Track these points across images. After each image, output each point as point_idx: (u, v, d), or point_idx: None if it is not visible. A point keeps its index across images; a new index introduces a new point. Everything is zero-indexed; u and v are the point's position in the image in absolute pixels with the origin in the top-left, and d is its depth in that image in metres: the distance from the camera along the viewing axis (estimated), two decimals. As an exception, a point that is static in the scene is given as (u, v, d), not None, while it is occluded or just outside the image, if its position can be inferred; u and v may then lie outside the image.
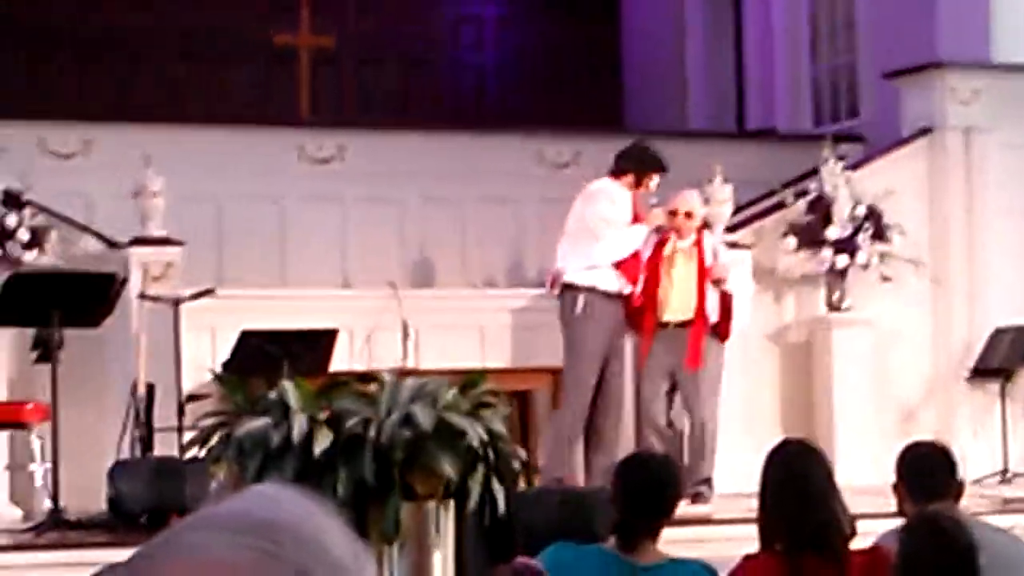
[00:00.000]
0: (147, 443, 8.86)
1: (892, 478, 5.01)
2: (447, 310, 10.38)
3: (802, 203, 11.06)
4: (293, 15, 13.68)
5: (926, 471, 4.94)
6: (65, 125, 11.43)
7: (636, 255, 9.28)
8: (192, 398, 8.84)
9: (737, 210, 11.01)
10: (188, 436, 7.94)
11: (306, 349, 8.75)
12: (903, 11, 12.26)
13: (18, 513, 9.21)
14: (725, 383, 9.53)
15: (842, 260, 10.84)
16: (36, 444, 8.96)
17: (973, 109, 11.51)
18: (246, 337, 8.87)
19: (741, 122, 14.48)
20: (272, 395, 7.06)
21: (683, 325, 9.22)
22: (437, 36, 15.14)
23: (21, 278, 8.72)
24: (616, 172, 9.43)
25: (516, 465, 7.20)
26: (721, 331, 9.32)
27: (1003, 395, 10.91)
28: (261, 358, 8.42)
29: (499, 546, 6.94)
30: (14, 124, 11.06)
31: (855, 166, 11.40)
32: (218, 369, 8.84)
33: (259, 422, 6.90)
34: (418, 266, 12.02)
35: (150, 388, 8.98)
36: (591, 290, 9.20)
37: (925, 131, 11.57)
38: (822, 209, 10.93)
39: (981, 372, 10.95)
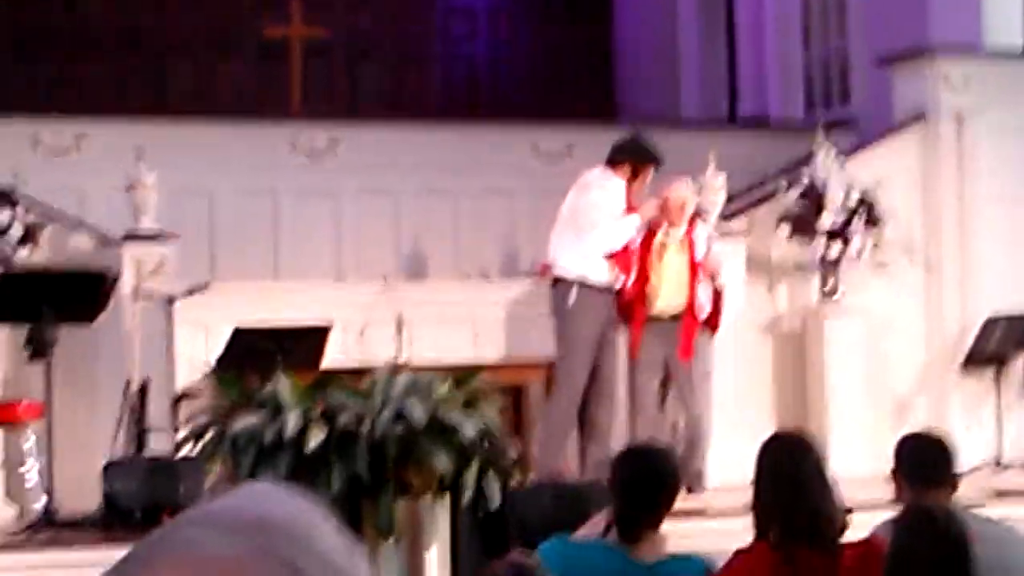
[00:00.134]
0: (141, 441, 8.86)
1: (886, 466, 5.01)
2: (440, 303, 10.37)
3: (795, 192, 11.04)
4: (285, 7, 13.65)
5: (926, 462, 4.94)
6: (57, 120, 11.41)
7: (628, 246, 9.27)
8: (185, 395, 8.84)
9: (730, 199, 11.00)
10: (182, 433, 7.95)
11: (299, 345, 8.75)
12: (894, -3, 12.24)
13: (12, 512, 9.20)
14: (717, 373, 9.53)
15: (835, 249, 10.83)
16: (30, 442, 8.96)
17: (965, 96, 11.48)
18: (239, 333, 8.87)
19: (733, 110, 14.47)
20: (266, 391, 7.07)
21: (675, 318, 9.24)
22: (430, 28, 15.12)
23: (13, 276, 8.71)
24: (612, 163, 9.42)
25: (510, 459, 7.21)
26: (711, 323, 9.33)
27: (997, 384, 10.89)
28: (255, 354, 8.42)
29: (494, 540, 6.94)
30: (5, 119, 11.05)
31: (847, 154, 11.39)
32: (211, 365, 8.85)
33: (252, 418, 6.91)
34: (412, 258, 12.01)
35: (144, 385, 8.97)
36: (583, 282, 9.20)
37: (917, 117, 11.56)
38: (815, 197, 10.92)
39: (975, 360, 10.92)
